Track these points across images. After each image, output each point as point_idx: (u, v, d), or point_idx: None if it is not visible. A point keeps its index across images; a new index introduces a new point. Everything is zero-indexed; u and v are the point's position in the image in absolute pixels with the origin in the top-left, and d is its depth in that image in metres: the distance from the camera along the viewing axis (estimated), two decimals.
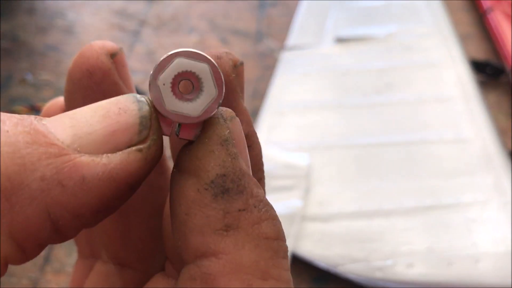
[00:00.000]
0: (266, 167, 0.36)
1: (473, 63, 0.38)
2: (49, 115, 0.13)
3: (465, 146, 0.31)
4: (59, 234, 0.10)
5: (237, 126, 0.12)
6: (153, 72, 0.11)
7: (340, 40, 0.40)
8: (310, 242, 0.27)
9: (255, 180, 0.11)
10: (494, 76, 0.39)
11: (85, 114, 0.11)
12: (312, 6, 0.44)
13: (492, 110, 0.36)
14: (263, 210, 0.11)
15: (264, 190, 0.13)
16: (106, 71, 0.14)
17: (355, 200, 0.29)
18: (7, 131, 0.10)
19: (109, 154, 0.10)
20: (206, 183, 0.11)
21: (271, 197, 0.30)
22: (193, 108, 0.11)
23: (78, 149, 0.10)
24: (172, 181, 0.11)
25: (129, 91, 0.14)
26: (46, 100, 0.38)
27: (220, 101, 0.11)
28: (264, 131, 0.34)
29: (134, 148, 0.11)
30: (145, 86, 0.38)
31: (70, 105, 0.14)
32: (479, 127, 0.32)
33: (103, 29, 0.45)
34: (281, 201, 0.28)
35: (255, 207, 0.11)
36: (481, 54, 0.42)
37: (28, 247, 0.10)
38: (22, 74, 0.40)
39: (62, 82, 0.39)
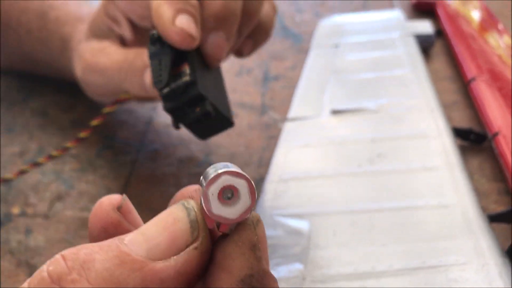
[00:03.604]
0: (270, 233, 0.41)
1: (457, 130, 0.43)
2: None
3: (448, 212, 0.34)
4: None
5: (262, 229, 0.16)
6: (206, 184, 0.15)
7: (336, 112, 0.45)
8: None
9: (273, 276, 0.15)
10: (477, 142, 0.43)
11: (150, 229, 0.15)
12: (311, 80, 0.49)
13: (475, 174, 0.40)
14: None
15: None
16: (117, 224, 0.17)
17: (350, 263, 0.32)
18: (103, 259, 0.14)
19: (174, 257, 0.14)
20: (237, 280, 0.14)
21: (274, 262, 0.34)
22: (232, 212, 0.15)
23: (152, 258, 0.14)
24: (208, 271, 0.15)
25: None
26: None
27: (253, 209, 0.15)
28: (269, 198, 0.38)
29: (191, 247, 0.15)
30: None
31: None
32: (461, 193, 0.36)
33: None
34: (283, 265, 0.32)
35: None
36: (465, 120, 0.46)
37: None
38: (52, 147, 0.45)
39: (88, 153, 0.44)
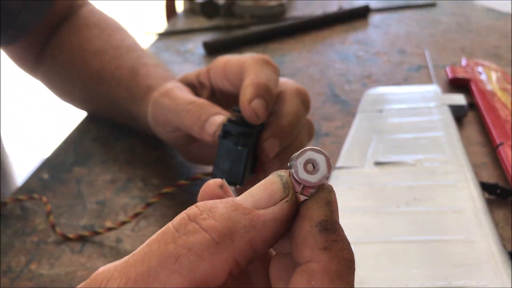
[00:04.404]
0: None
1: (484, 184, 0.49)
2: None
3: (473, 246, 0.40)
4: (256, 254, 0.19)
5: (334, 195, 0.20)
6: (294, 157, 0.20)
7: (378, 163, 0.52)
8: None
9: (341, 226, 0.20)
10: (502, 197, 0.49)
11: (255, 190, 0.20)
12: (357, 137, 0.57)
13: (500, 223, 0.46)
14: (345, 243, 0.19)
15: None
16: (220, 197, 0.22)
17: (387, 281, 0.38)
18: (223, 207, 0.19)
19: (272, 207, 0.19)
20: (316, 223, 0.19)
21: None
22: (313, 178, 0.20)
23: (256, 207, 0.19)
24: (295, 221, 0.20)
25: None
26: None
27: (329, 177, 0.20)
28: None
29: (283, 201, 0.20)
30: None
31: None
32: (485, 232, 0.42)
33: None
34: None
35: (341, 241, 0.19)
36: (493, 178, 0.52)
37: (242, 264, 0.19)
38: (138, 178, 0.54)
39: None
